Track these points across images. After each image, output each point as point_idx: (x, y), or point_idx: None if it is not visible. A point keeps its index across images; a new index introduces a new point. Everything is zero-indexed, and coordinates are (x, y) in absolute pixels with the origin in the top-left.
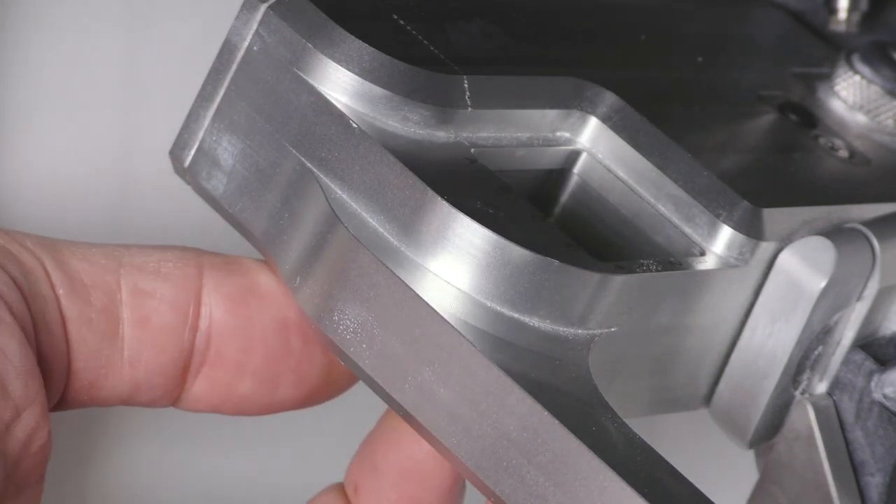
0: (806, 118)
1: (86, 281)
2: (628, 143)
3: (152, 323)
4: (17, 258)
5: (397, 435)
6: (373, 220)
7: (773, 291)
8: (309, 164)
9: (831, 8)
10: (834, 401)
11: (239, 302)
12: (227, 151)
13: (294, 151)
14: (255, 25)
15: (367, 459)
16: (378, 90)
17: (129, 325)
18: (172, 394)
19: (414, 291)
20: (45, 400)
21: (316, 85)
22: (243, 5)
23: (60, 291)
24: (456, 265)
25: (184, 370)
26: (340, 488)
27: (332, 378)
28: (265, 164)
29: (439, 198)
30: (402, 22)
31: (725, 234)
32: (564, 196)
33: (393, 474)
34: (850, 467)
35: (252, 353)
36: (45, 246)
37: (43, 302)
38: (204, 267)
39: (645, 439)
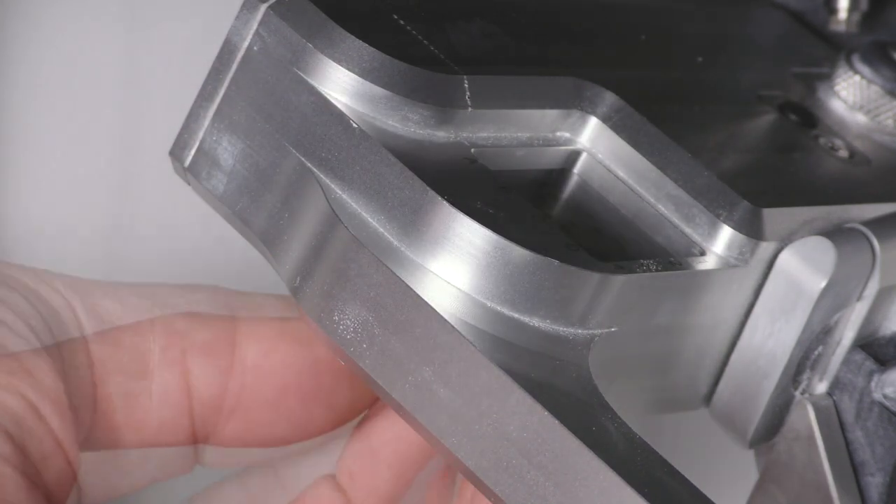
0: (806, 118)
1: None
2: (628, 143)
3: (183, 365)
4: (45, 299)
5: (392, 417)
6: (373, 220)
7: (773, 291)
8: (309, 164)
9: (831, 8)
10: (834, 401)
11: (272, 347)
12: (227, 151)
13: (294, 151)
14: (255, 25)
15: (362, 444)
16: (378, 90)
17: (159, 366)
18: (201, 433)
19: (414, 291)
20: (75, 435)
21: (316, 85)
22: (243, 5)
23: (90, 334)
24: (456, 265)
25: (215, 411)
26: (332, 479)
27: (358, 401)
28: (265, 163)
29: (439, 198)
30: (402, 22)
31: (725, 234)
32: (564, 196)
33: (388, 455)
34: (850, 467)
35: (286, 395)
36: (76, 287)
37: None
38: (235, 310)
39: (645, 439)
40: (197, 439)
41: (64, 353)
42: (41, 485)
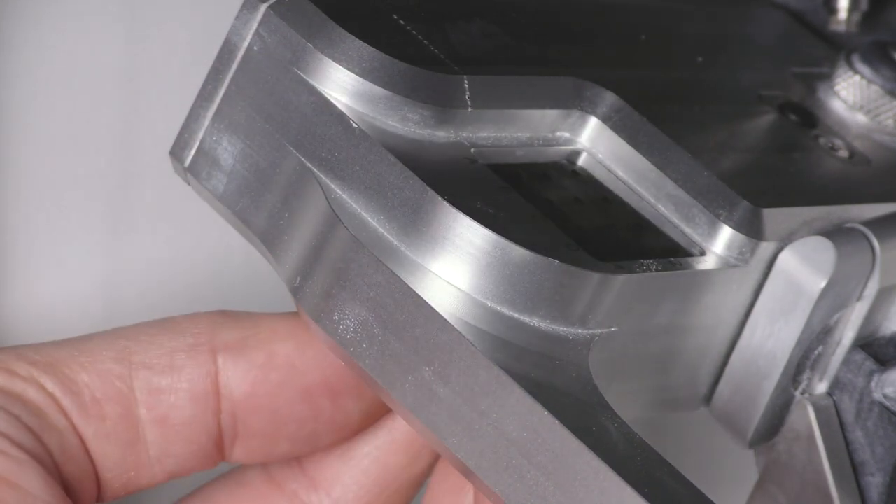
0: (806, 118)
1: (97, 396)
2: (628, 142)
3: (172, 419)
4: (21, 397)
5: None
6: (373, 220)
7: (773, 291)
8: (309, 164)
9: (831, 8)
10: (834, 401)
11: (259, 379)
12: (227, 151)
13: (294, 151)
14: (255, 25)
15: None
16: (378, 90)
17: (149, 426)
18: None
19: (414, 291)
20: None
21: (316, 85)
22: (243, 5)
23: (74, 416)
24: (456, 265)
25: (217, 448)
26: None
27: (372, 412)
28: (265, 163)
29: (439, 198)
30: (402, 22)
31: (725, 234)
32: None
33: None
34: (850, 467)
35: (282, 423)
36: (49, 366)
37: (58, 433)
38: (217, 350)
39: (645, 439)
40: (223, 437)
41: (51, 442)
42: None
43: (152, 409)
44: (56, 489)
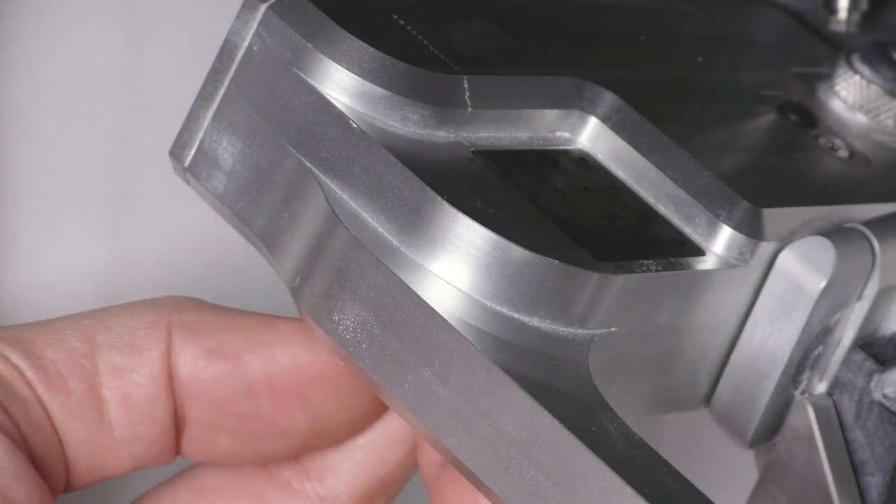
0: (806, 118)
1: (63, 371)
2: (628, 142)
3: (135, 398)
4: None
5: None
6: (373, 220)
7: (772, 291)
8: (309, 164)
9: (831, 8)
10: (834, 401)
11: (204, 364)
12: (227, 151)
13: (294, 151)
14: (255, 25)
15: None
16: (378, 90)
17: (113, 406)
18: (175, 451)
19: (414, 291)
20: (47, 495)
21: (316, 85)
22: (243, 5)
23: (39, 389)
24: (456, 265)
25: (178, 431)
26: None
27: (325, 431)
28: (265, 164)
29: (439, 198)
30: (402, 22)
31: (725, 234)
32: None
33: None
34: (850, 467)
35: (223, 414)
36: (15, 343)
37: (24, 404)
38: (173, 327)
39: (645, 439)
40: (180, 422)
41: (17, 414)
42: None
43: (115, 387)
44: (23, 462)
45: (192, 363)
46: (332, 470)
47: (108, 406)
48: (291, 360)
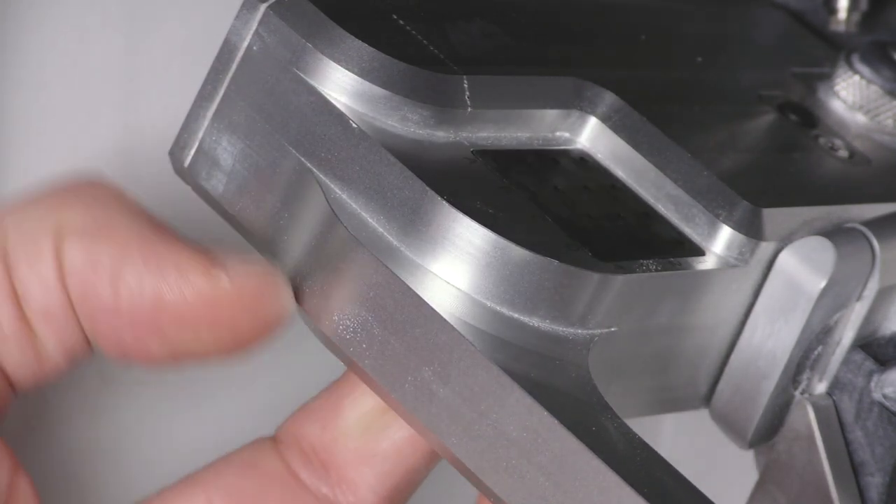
0: (806, 118)
1: None
2: (628, 143)
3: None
4: None
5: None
6: (373, 220)
7: (772, 291)
8: (308, 164)
9: (831, 8)
10: (834, 401)
11: (79, 276)
12: (227, 151)
13: (294, 151)
14: (254, 25)
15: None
16: (378, 90)
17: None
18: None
19: (414, 291)
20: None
21: (316, 85)
22: (243, 5)
23: None
24: (456, 265)
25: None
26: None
27: (185, 355)
28: (265, 164)
29: (439, 198)
30: (401, 22)
31: (725, 234)
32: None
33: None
34: (850, 467)
35: (97, 322)
36: None
37: None
38: (62, 230)
39: (645, 439)
40: (82, 320)
41: None
42: None
43: (23, 283)
44: None
45: (72, 271)
46: (363, 477)
47: (24, 300)
48: (154, 294)
